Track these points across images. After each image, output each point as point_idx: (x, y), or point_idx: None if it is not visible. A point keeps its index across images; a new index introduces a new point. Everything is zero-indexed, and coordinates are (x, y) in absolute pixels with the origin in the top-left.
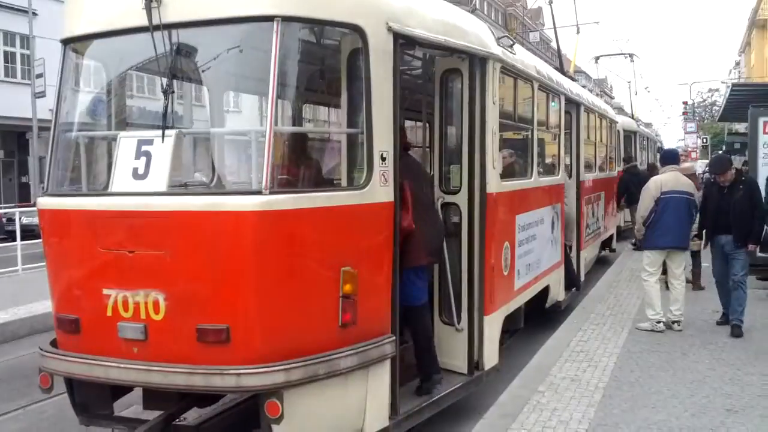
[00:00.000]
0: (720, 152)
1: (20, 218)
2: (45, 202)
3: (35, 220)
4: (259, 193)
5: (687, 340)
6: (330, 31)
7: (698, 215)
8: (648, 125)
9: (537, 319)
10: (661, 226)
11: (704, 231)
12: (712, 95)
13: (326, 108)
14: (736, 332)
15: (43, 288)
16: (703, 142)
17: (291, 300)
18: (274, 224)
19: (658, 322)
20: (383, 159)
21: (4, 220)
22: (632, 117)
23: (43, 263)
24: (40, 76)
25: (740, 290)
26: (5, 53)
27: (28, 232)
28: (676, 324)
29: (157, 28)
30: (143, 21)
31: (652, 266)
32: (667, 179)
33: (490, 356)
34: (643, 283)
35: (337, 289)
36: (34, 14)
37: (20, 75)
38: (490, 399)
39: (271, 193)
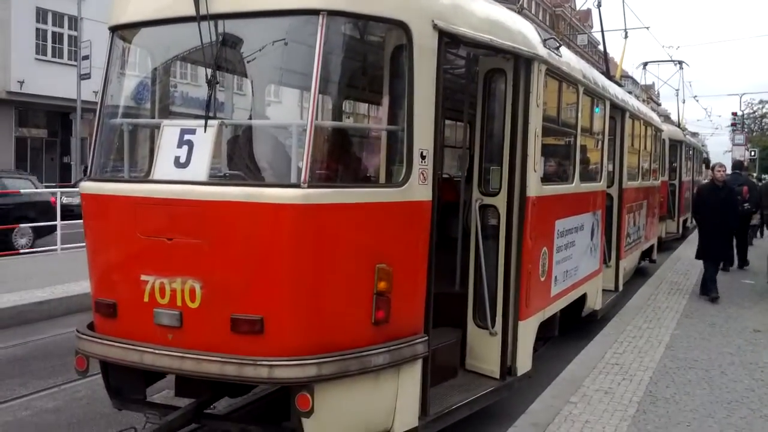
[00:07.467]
0: None
1: (61, 198)
2: (87, 186)
3: (75, 200)
4: (297, 186)
5: (726, 359)
6: (374, 26)
7: None
8: (694, 135)
9: (572, 327)
10: None
11: None
12: (763, 107)
13: (367, 104)
14: None
15: (81, 268)
16: (751, 155)
17: (325, 294)
18: (311, 217)
19: None
20: (423, 157)
21: None
22: (679, 126)
23: (82, 244)
24: (86, 57)
25: None
26: (53, 33)
27: (68, 212)
28: None
29: (204, 18)
30: (190, 11)
31: None
32: None
33: (524, 362)
34: None
35: (371, 285)
36: None
37: (67, 56)
38: (521, 406)
39: (309, 186)
